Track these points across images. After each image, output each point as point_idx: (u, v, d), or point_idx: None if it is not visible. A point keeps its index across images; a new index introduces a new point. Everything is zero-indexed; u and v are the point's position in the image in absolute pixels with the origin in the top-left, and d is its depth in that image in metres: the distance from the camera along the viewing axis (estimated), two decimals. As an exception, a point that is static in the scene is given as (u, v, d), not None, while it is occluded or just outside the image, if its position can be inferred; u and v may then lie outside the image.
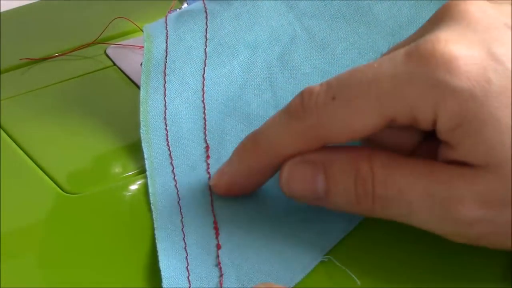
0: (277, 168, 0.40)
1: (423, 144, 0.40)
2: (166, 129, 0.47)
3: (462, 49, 0.35)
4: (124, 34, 0.61)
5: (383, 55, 0.42)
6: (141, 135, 0.47)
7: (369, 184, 0.37)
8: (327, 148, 0.39)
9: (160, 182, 0.44)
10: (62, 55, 0.59)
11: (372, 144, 0.40)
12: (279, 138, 0.39)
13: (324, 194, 0.39)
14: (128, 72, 0.56)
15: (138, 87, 0.54)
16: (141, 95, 0.49)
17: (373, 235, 0.41)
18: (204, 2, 0.51)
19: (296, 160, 0.39)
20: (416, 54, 0.36)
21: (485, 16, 0.37)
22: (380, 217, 0.38)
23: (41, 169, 0.48)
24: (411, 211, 0.37)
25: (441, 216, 0.36)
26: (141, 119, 0.47)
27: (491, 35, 0.36)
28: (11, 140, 0.50)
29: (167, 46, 0.50)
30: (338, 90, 0.37)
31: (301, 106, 0.38)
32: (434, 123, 0.36)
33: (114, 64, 0.58)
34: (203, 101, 0.49)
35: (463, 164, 0.36)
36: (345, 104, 0.37)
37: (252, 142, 0.41)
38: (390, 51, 0.41)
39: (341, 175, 0.38)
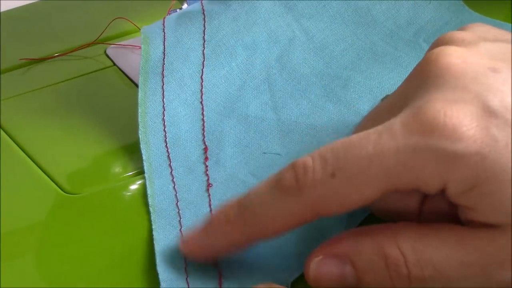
0: (263, 240, 0.38)
1: (429, 199, 0.38)
2: (164, 130, 0.47)
3: (461, 114, 0.34)
4: (124, 34, 0.61)
5: (363, 118, 0.41)
6: (140, 136, 0.47)
7: (402, 268, 0.36)
8: (347, 234, 0.37)
9: (158, 184, 0.45)
10: (62, 55, 0.59)
11: (374, 207, 0.39)
12: (270, 214, 0.37)
13: (355, 283, 0.37)
14: (128, 72, 0.56)
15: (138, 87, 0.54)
16: (139, 96, 0.48)
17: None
18: (202, 3, 0.51)
19: (320, 257, 0.37)
20: (415, 126, 0.35)
21: (468, 65, 0.37)
22: None
23: (41, 169, 0.48)
24: (449, 282, 0.36)
25: (483, 281, 0.36)
26: (139, 120, 0.47)
27: (481, 86, 0.36)
28: (11, 140, 0.50)
29: (164, 47, 0.50)
30: (337, 166, 0.35)
31: (296, 183, 0.36)
32: (443, 189, 0.35)
33: (114, 64, 0.58)
34: (201, 102, 0.49)
35: (489, 225, 0.35)
36: (346, 181, 0.35)
37: (237, 215, 0.38)
38: (375, 111, 0.40)
39: (371, 263, 0.36)
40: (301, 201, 0.36)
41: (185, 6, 0.59)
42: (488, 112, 0.35)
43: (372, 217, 0.41)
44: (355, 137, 0.36)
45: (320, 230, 0.41)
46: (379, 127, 0.36)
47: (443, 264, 0.35)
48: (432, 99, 0.35)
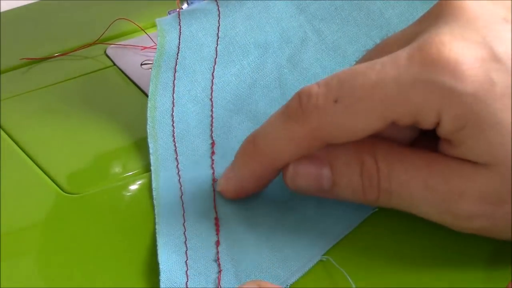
0: (281, 168, 0.40)
1: (422, 137, 0.40)
2: (173, 125, 0.48)
3: (465, 53, 0.35)
4: (124, 34, 0.61)
5: (369, 50, 0.42)
6: (148, 130, 0.47)
7: (374, 177, 0.38)
8: (328, 146, 0.39)
9: (163, 177, 0.45)
10: (62, 55, 0.59)
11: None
12: (279, 141, 0.39)
13: (330, 187, 0.39)
14: (128, 72, 0.56)
15: (138, 87, 0.54)
16: (150, 90, 0.49)
17: (372, 236, 0.41)
18: (216, 1, 0.51)
19: (300, 159, 0.39)
20: (419, 58, 0.36)
21: (483, 11, 0.37)
22: (383, 206, 0.39)
23: (41, 169, 0.48)
24: (413, 203, 0.38)
25: (441, 209, 0.37)
26: (148, 114, 0.48)
27: (491, 32, 0.36)
28: (11, 140, 0.50)
29: (179, 42, 0.50)
30: (339, 93, 0.37)
31: (300, 108, 0.38)
32: (437, 124, 0.36)
33: (114, 64, 0.57)
34: (211, 99, 0.49)
35: (463, 160, 0.36)
36: (347, 107, 0.37)
37: (252, 146, 0.40)
38: (382, 44, 0.41)
39: (347, 168, 0.38)
40: (305, 127, 0.38)
41: (185, 6, 0.58)
42: (493, 56, 0.35)
43: (368, 223, 0.41)
44: (360, 66, 0.37)
45: (321, 230, 0.41)
46: (385, 58, 0.37)
47: (409, 181, 0.37)
48: (440, 33, 0.36)
